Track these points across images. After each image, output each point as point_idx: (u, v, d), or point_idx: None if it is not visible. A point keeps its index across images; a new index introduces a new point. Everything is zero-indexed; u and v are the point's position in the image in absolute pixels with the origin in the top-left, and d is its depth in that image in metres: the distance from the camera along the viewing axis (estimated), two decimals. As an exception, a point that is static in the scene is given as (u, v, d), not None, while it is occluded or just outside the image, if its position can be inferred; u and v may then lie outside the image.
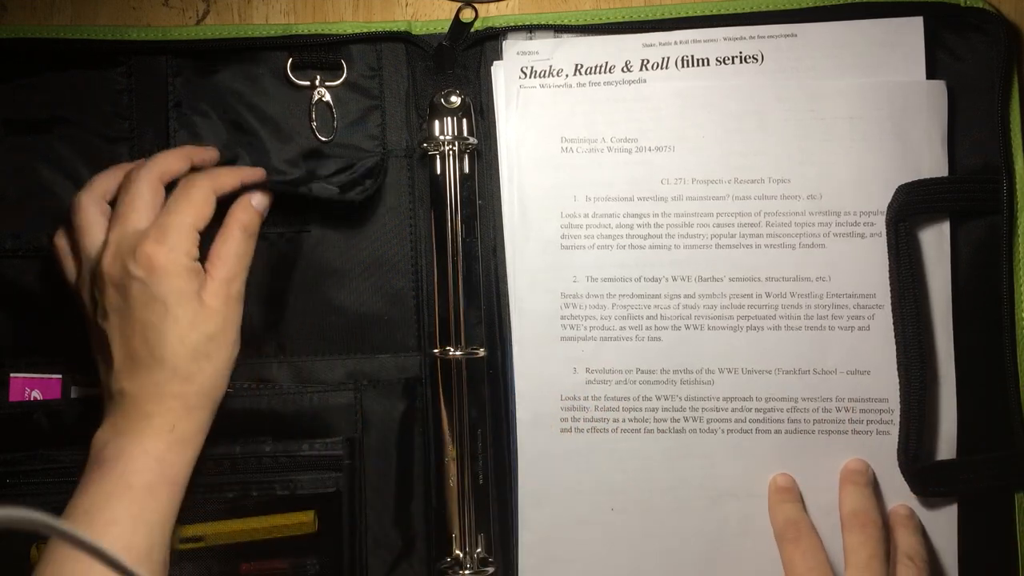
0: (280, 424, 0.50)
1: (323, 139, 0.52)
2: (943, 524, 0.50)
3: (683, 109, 0.51)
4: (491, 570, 0.51)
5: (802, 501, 0.50)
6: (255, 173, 0.49)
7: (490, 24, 0.52)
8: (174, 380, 0.44)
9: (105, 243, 0.45)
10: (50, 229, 0.50)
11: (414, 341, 0.52)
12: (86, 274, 0.46)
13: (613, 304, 0.51)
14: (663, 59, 0.52)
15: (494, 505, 0.52)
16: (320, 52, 0.52)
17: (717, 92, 0.51)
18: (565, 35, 0.53)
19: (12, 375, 0.50)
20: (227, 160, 0.51)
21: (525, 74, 0.52)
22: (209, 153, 0.50)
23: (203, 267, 0.46)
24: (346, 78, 0.52)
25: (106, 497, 0.42)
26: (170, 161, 0.47)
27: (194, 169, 0.48)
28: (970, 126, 0.51)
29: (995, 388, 0.50)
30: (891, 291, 0.50)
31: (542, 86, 0.52)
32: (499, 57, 0.53)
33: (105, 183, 0.48)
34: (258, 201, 0.48)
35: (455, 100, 0.52)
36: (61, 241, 0.48)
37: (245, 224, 0.47)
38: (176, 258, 0.44)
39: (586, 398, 0.51)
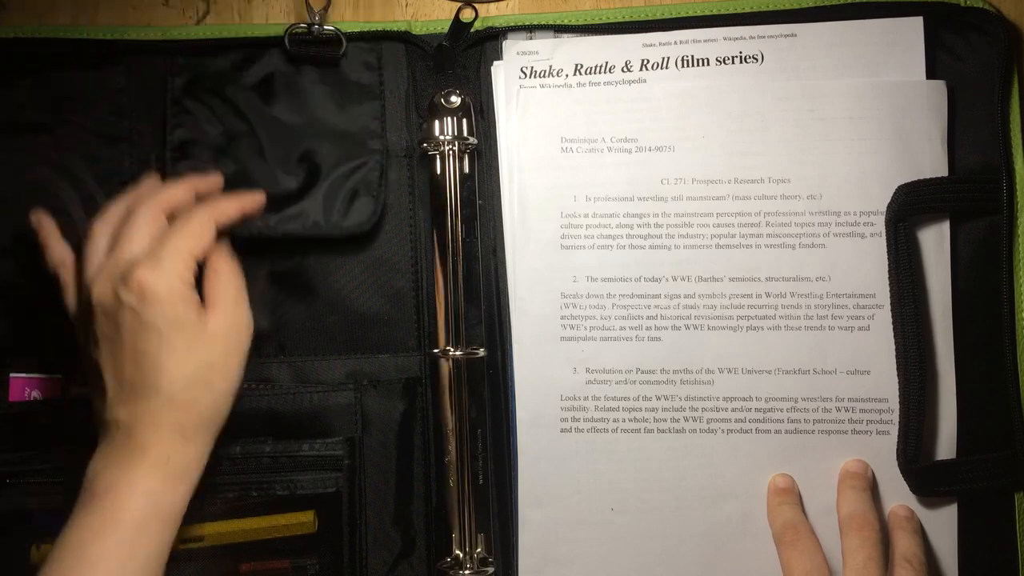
0: (280, 424, 0.50)
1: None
2: (943, 524, 0.50)
3: (683, 109, 0.51)
4: (491, 570, 0.51)
5: (801, 503, 0.50)
6: (256, 200, 0.48)
7: (490, 24, 0.52)
8: (170, 409, 0.42)
9: (98, 270, 0.44)
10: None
11: (414, 341, 0.52)
12: (83, 303, 0.45)
13: (613, 304, 0.51)
14: (663, 59, 0.52)
15: (494, 505, 0.52)
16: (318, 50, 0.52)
17: (717, 92, 0.51)
18: (565, 35, 0.53)
19: (12, 375, 0.51)
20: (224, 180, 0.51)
21: (525, 74, 0.52)
22: (213, 180, 0.49)
23: (202, 298, 0.44)
24: (346, 78, 0.52)
25: (94, 533, 0.40)
26: (173, 192, 0.46)
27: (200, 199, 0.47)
28: (970, 126, 0.51)
29: (995, 388, 0.50)
30: (891, 291, 0.50)
31: (542, 86, 0.52)
32: (499, 57, 0.53)
33: (118, 211, 0.46)
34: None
35: (455, 100, 0.52)
36: (65, 269, 0.47)
37: (226, 251, 0.46)
38: (169, 282, 0.42)
39: (586, 398, 0.51)
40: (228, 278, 0.45)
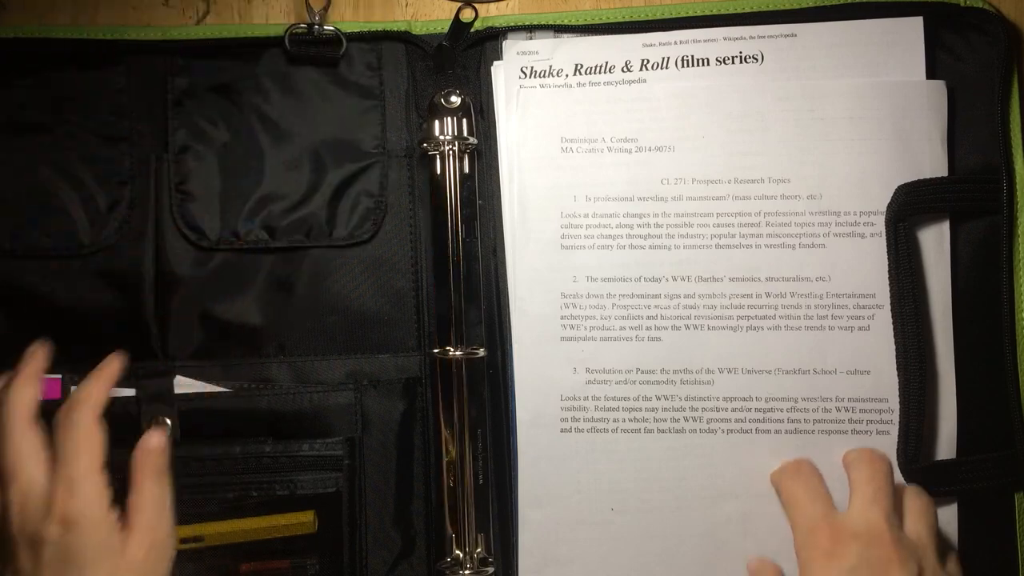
0: (280, 424, 0.50)
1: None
2: (943, 524, 0.50)
3: (683, 109, 0.51)
4: (491, 570, 0.51)
5: None
6: (117, 367, 0.47)
7: (490, 24, 0.52)
8: None
9: (6, 505, 0.42)
10: (49, 229, 0.50)
11: (414, 341, 0.52)
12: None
13: (613, 304, 0.51)
14: (663, 59, 0.52)
15: (494, 505, 0.52)
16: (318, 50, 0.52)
17: (717, 92, 0.51)
18: (565, 35, 0.53)
19: (12, 375, 0.50)
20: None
21: (525, 74, 0.52)
22: (43, 355, 0.47)
23: (119, 510, 0.43)
24: (346, 78, 0.52)
25: None
26: (25, 395, 0.44)
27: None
28: (970, 126, 0.51)
29: (995, 388, 0.50)
30: (891, 291, 0.50)
31: (542, 86, 0.52)
32: (499, 57, 0.53)
33: None
34: (157, 441, 0.45)
35: (455, 100, 0.52)
36: None
37: (155, 468, 0.45)
38: (91, 510, 0.42)
39: (586, 398, 0.51)
40: (150, 493, 0.44)
